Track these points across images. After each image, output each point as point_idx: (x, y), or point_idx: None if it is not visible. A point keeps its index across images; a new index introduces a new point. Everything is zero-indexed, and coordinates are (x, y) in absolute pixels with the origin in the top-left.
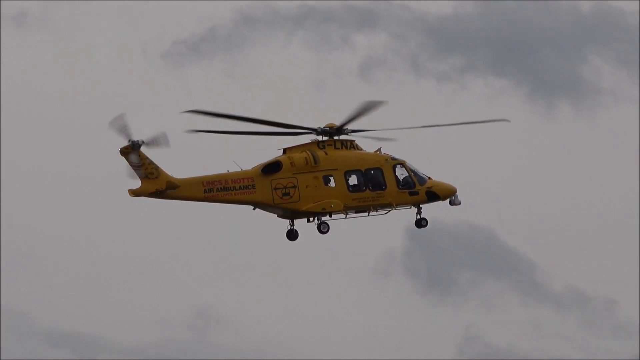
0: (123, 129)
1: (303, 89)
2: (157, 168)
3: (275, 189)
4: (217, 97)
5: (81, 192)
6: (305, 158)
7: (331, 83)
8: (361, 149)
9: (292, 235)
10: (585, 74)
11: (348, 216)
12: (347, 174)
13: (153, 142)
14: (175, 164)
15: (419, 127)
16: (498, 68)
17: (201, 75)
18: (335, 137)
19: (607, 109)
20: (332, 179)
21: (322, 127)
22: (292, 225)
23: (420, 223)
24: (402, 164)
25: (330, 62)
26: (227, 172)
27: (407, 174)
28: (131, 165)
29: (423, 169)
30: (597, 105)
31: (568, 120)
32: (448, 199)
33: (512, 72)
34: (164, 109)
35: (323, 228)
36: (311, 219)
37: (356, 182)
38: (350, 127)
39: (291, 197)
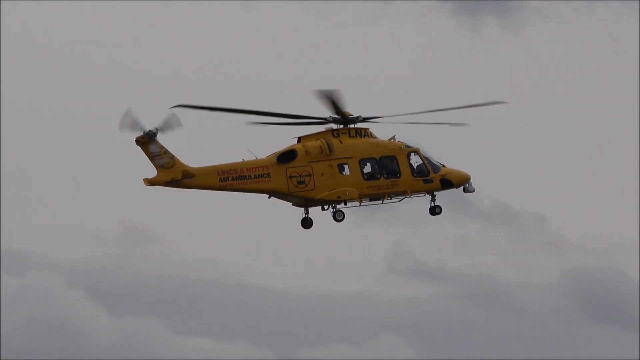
0: (134, 124)
1: (231, 7)
2: (172, 157)
3: (291, 177)
4: (141, 17)
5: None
6: (320, 146)
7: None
8: (375, 137)
9: (306, 223)
10: None
11: (362, 204)
12: (362, 162)
13: (165, 126)
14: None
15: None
16: None
17: None
18: (350, 125)
19: (533, 26)
20: (346, 167)
21: (332, 116)
22: (307, 213)
23: (435, 210)
24: (417, 152)
25: None
26: (242, 160)
27: (422, 162)
28: (151, 154)
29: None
30: (523, 22)
31: (494, 37)
32: (462, 187)
33: None
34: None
35: (338, 216)
36: (325, 206)
37: (371, 170)
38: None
39: (306, 185)
